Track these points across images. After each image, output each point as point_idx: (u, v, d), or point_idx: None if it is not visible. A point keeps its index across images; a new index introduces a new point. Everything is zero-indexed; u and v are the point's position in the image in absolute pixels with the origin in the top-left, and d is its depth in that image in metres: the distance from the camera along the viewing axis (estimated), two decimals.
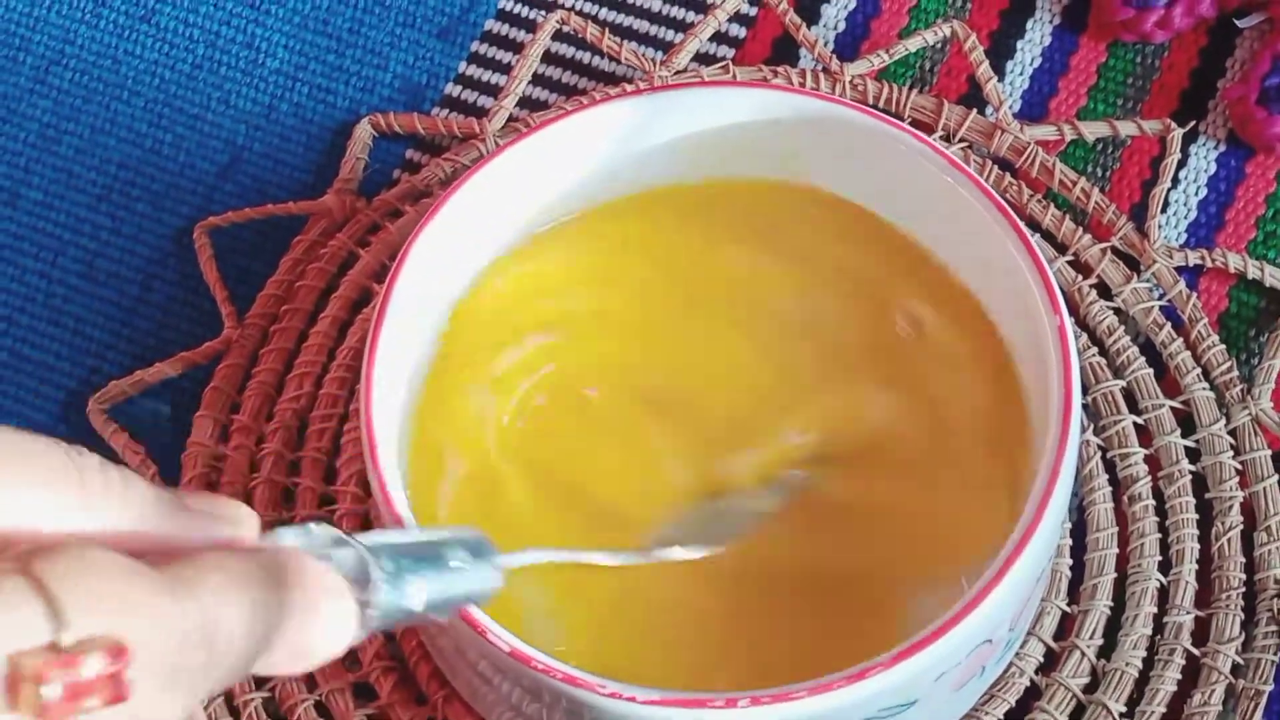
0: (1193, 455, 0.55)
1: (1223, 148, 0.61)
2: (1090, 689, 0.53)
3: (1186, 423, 0.56)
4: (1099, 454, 0.55)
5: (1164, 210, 0.60)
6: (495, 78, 0.63)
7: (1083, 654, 0.53)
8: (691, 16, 0.64)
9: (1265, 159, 0.60)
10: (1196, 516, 0.54)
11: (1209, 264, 0.58)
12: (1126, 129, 0.60)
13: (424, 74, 0.64)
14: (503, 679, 0.47)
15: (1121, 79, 0.62)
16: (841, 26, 0.64)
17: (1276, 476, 0.55)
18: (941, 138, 0.60)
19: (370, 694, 0.53)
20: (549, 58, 0.63)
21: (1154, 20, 0.61)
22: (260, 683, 0.54)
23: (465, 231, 0.52)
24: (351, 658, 0.54)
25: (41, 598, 0.29)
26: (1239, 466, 0.55)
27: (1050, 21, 0.63)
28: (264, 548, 0.34)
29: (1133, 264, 0.58)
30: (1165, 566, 0.54)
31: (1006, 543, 0.45)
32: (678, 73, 0.62)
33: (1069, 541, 0.54)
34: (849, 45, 0.63)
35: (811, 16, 0.64)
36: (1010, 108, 0.61)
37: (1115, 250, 0.58)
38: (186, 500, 0.34)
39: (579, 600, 0.49)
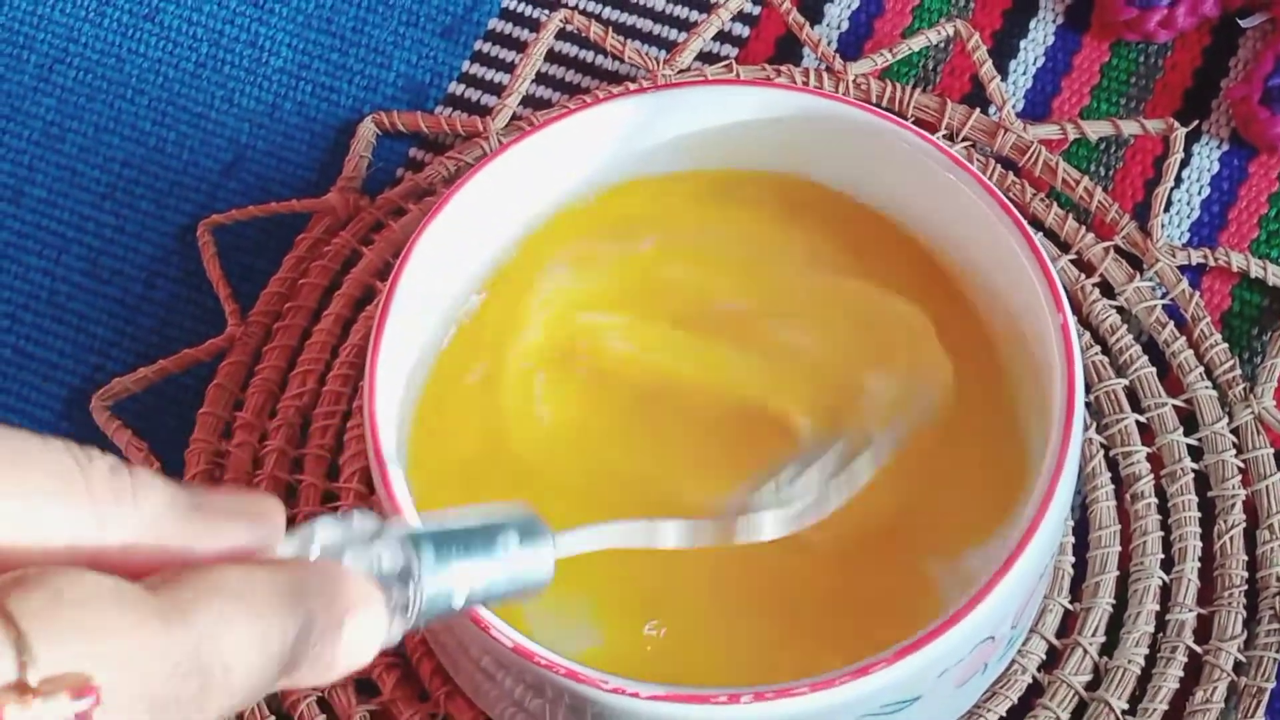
0: (1195, 454, 0.55)
1: (1226, 147, 0.61)
2: (1092, 686, 0.53)
3: (1189, 421, 0.56)
4: (1101, 452, 0.55)
5: (1167, 209, 0.60)
6: (499, 76, 0.64)
7: (1085, 651, 0.53)
8: (695, 15, 0.64)
9: (1268, 158, 0.60)
10: (1199, 515, 0.54)
11: (1212, 263, 0.58)
12: (1129, 128, 0.60)
13: (427, 72, 0.64)
14: (505, 675, 0.47)
15: (1125, 78, 0.62)
16: (845, 25, 0.64)
17: (1278, 475, 0.55)
18: (945, 137, 0.60)
19: (373, 690, 0.54)
20: (552, 56, 0.64)
21: (1157, 19, 0.61)
22: None
23: (468, 229, 0.52)
24: None
25: (11, 633, 0.28)
26: (1241, 465, 0.55)
27: (1053, 21, 0.63)
28: (285, 560, 0.33)
29: (1135, 263, 0.58)
30: (1167, 564, 0.54)
31: (1009, 540, 0.45)
32: (681, 71, 0.62)
33: (1071, 539, 0.54)
34: (852, 44, 0.63)
35: (815, 15, 0.64)
36: (1013, 107, 0.61)
37: (1118, 249, 0.58)
38: (208, 500, 0.32)
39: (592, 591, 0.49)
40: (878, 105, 0.60)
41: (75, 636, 0.28)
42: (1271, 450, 0.55)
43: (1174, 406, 0.56)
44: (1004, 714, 0.52)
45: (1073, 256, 0.58)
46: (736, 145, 0.53)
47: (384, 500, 0.47)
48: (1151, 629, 0.53)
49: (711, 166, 0.54)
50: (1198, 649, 0.53)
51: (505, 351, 0.53)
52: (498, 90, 0.63)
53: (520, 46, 0.64)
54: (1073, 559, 0.54)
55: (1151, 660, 0.53)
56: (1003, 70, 0.62)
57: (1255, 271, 0.58)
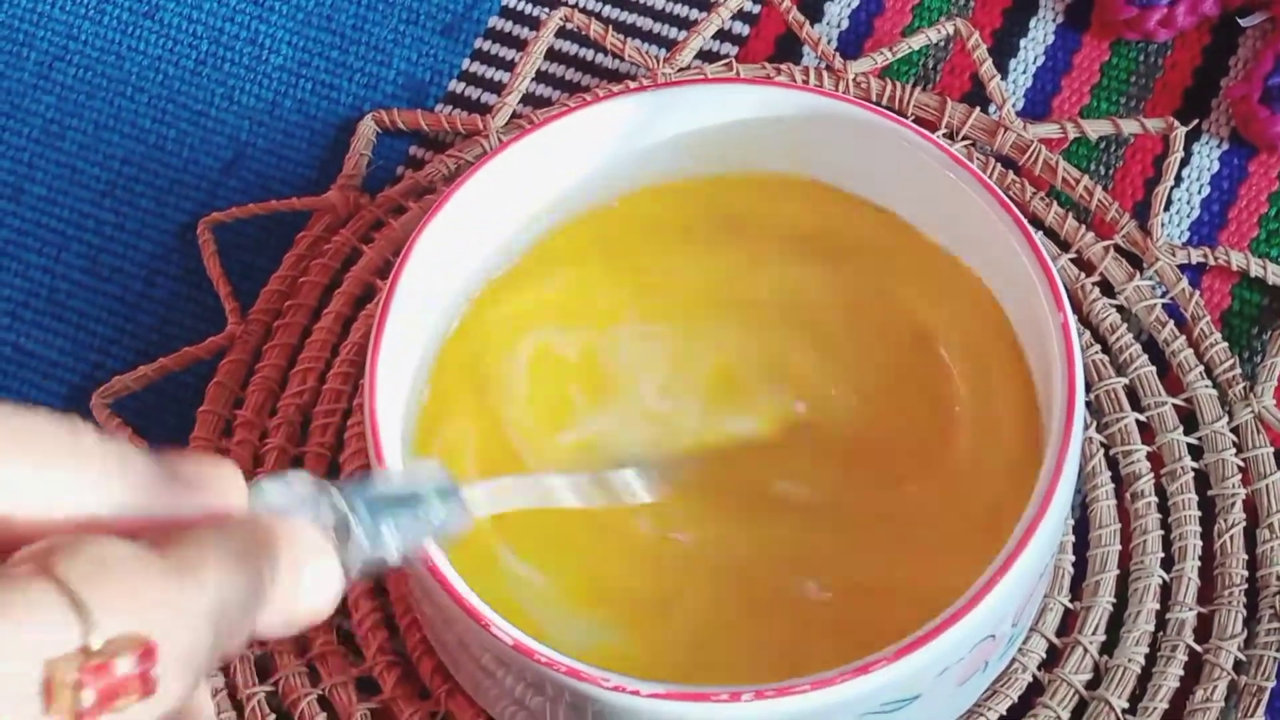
0: (1195, 452, 0.55)
1: (1225, 146, 0.61)
2: (1092, 685, 0.53)
3: (1189, 420, 0.56)
4: (1102, 451, 0.55)
5: (1167, 208, 0.60)
6: (499, 74, 0.64)
7: (1085, 650, 0.53)
8: (695, 14, 0.64)
9: (1268, 157, 0.60)
10: (1199, 513, 0.54)
11: (1211, 262, 0.58)
12: (1129, 127, 0.60)
13: (427, 70, 0.64)
14: (506, 673, 0.47)
15: (1125, 77, 0.62)
16: (845, 24, 0.64)
17: (1278, 473, 0.55)
18: (945, 136, 0.60)
19: (373, 688, 0.53)
20: (552, 55, 0.64)
21: (1157, 18, 0.61)
22: (263, 677, 0.54)
23: (469, 228, 0.52)
24: (355, 652, 0.54)
25: (67, 599, 0.29)
26: (1241, 464, 0.55)
27: (1053, 19, 0.63)
28: (251, 517, 0.34)
29: (1135, 262, 0.58)
30: (1168, 563, 0.54)
31: (1010, 538, 0.45)
32: (681, 70, 0.62)
33: (1072, 538, 0.54)
34: (852, 43, 0.63)
35: (815, 14, 0.64)
36: (1013, 106, 0.61)
37: (1118, 248, 0.58)
38: (180, 466, 0.34)
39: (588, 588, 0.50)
40: (878, 104, 0.60)
41: (125, 600, 0.29)
42: (1271, 449, 0.55)
43: (1174, 405, 0.56)
44: (1004, 712, 0.52)
45: (1073, 255, 0.58)
46: (736, 143, 0.53)
47: None
48: (1152, 628, 0.53)
49: (713, 166, 0.54)
50: (1198, 648, 0.53)
51: (505, 351, 0.53)
52: (498, 88, 0.63)
53: (520, 44, 0.64)
54: (1073, 557, 0.54)
55: (1152, 659, 0.53)
56: (1003, 69, 0.62)
57: (1255, 270, 0.58)
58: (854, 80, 0.61)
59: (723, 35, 0.63)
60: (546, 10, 0.64)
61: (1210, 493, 0.55)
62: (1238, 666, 0.53)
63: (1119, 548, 0.54)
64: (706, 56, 0.63)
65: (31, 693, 0.28)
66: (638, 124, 0.53)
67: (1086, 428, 0.55)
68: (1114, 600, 0.53)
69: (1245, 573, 0.54)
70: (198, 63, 0.64)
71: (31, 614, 0.28)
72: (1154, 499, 0.55)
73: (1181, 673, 0.53)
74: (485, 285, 0.54)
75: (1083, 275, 0.58)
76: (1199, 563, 0.54)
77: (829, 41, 0.63)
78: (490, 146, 0.60)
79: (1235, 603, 0.53)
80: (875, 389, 0.52)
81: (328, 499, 0.37)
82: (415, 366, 0.51)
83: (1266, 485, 0.55)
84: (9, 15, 0.65)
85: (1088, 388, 0.56)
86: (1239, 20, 0.62)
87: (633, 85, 0.61)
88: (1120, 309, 0.58)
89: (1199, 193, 0.60)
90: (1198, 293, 0.58)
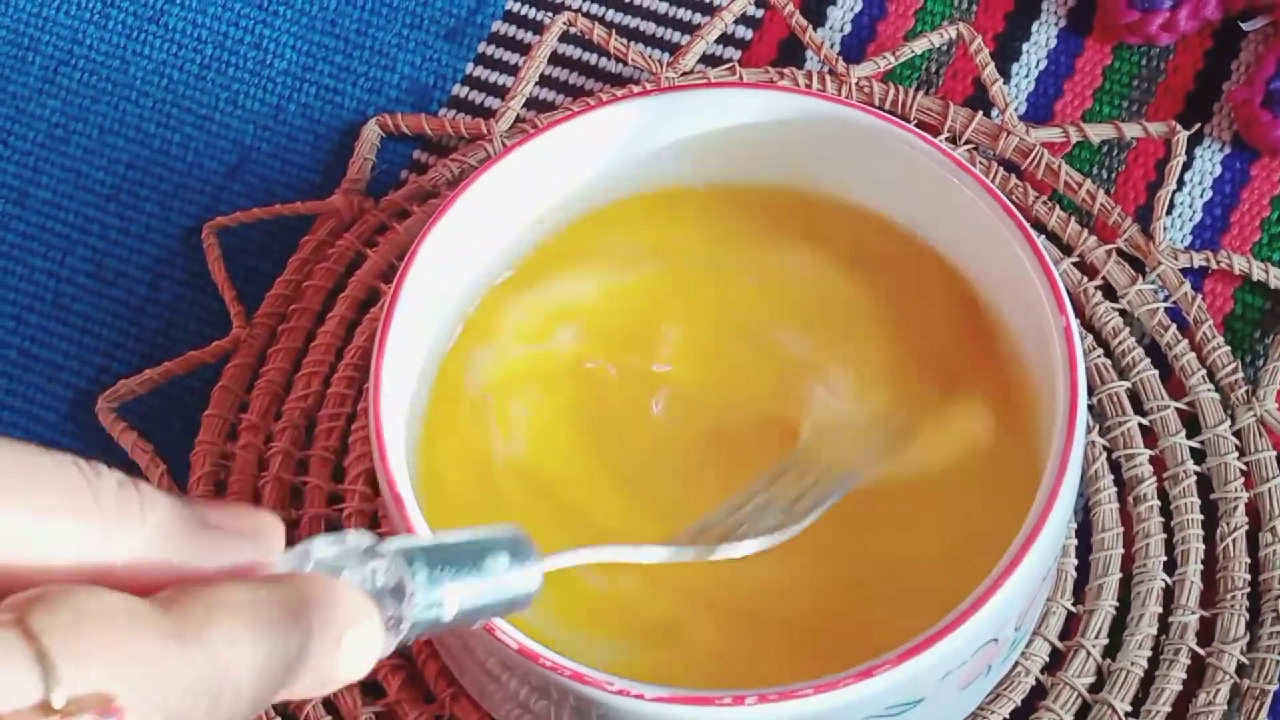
0: (1198, 456, 0.56)
1: (1228, 150, 0.61)
2: (1095, 688, 0.53)
3: (1191, 424, 0.56)
4: (1104, 455, 0.55)
5: (1169, 212, 0.60)
6: (502, 79, 0.64)
7: (1088, 653, 0.53)
8: (698, 19, 0.64)
9: (1270, 161, 0.61)
10: (1201, 517, 0.55)
11: (1214, 266, 0.59)
12: (1131, 131, 0.60)
13: (431, 75, 0.64)
14: (510, 676, 0.47)
15: (1126, 81, 0.62)
16: (847, 29, 0.64)
17: None
18: (947, 140, 0.60)
19: (378, 691, 0.54)
20: (556, 59, 0.64)
21: (1159, 23, 0.61)
22: None
23: (473, 232, 0.52)
24: None
25: (34, 652, 0.28)
26: (1244, 467, 0.55)
27: (1055, 24, 0.63)
28: (285, 576, 0.33)
29: (1138, 266, 0.58)
30: (1170, 567, 0.54)
31: (1012, 542, 0.45)
32: (684, 74, 0.62)
33: (1074, 541, 0.54)
34: (855, 47, 0.63)
35: (817, 19, 0.64)
36: (1016, 110, 0.61)
37: (1120, 252, 0.59)
38: (211, 515, 0.32)
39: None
40: (880, 108, 0.60)
41: (98, 656, 0.28)
42: (1274, 453, 0.55)
43: (1176, 409, 0.56)
44: (1007, 716, 0.52)
45: (1075, 259, 0.58)
46: (739, 148, 0.53)
47: (389, 502, 0.47)
48: (1154, 631, 0.53)
49: (715, 172, 0.54)
50: (1200, 651, 0.53)
51: (508, 355, 0.53)
52: (501, 93, 0.63)
53: (524, 49, 0.64)
54: (1076, 561, 0.54)
55: (1154, 662, 0.53)
56: (1005, 73, 0.62)
57: (1257, 274, 0.58)
58: (857, 84, 0.61)
59: (725, 40, 0.64)
60: (550, 15, 0.64)
61: (1213, 496, 0.55)
62: (1240, 670, 0.53)
63: (1122, 551, 0.54)
64: (709, 61, 0.63)
65: None
66: (641, 128, 0.53)
67: (1089, 431, 0.55)
68: (1117, 604, 0.54)
69: (1248, 576, 0.54)
70: (202, 67, 0.65)
71: None
72: (1156, 502, 0.55)
73: (1184, 676, 0.53)
74: (489, 289, 0.54)
75: (1085, 279, 0.58)
76: (1201, 566, 0.54)
77: (831, 46, 0.63)
78: (494, 151, 0.61)
79: (1238, 606, 0.53)
80: (877, 389, 0.52)
81: (387, 557, 0.34)
82: (420, 370, 0.51)
83: (1269, 489, 0.55)
84: (13, 20, 0.65)
85: (1090, 391, 0.56)
86: (1241, 24, 0.62)
87: (636, 89, 0.62)
88: (1123, 313, 0.58)
89: (1201, 196, 0.60)
90: (1200, 296, 0.58)
